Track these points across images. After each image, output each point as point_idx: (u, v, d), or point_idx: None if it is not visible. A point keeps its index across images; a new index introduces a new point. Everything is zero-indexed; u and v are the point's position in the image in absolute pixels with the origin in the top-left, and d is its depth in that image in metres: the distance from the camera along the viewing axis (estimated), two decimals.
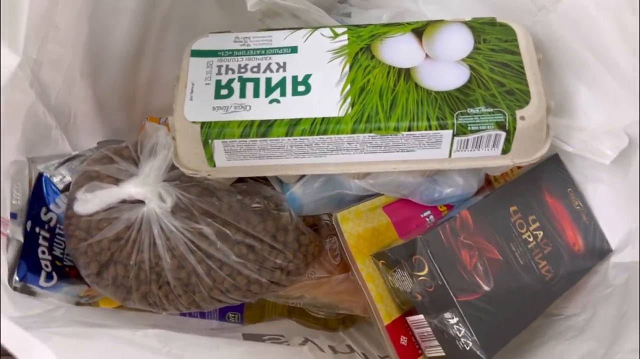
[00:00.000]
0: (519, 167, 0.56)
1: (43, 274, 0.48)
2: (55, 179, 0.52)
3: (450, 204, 0.53)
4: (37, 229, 0.49)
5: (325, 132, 0.42)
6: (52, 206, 0.51)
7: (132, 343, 0.38)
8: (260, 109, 0.42)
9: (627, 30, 0.40)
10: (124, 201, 0.46)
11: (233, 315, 0.58)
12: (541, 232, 0.48)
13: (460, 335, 0.43)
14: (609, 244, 0.52)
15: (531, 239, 0.48)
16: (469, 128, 0.41)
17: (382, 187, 0.49)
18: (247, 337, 0.52)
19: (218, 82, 0.44)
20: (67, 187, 0.52)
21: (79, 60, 0.51)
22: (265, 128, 0.42)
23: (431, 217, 0.52)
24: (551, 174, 0.52)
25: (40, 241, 0.49)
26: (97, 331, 0.38)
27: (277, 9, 0.47)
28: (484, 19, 0.46)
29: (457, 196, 0.51)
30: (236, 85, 0.44)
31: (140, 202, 0.46)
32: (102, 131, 0.61)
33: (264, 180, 0.50)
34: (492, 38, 0.45)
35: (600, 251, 0.52)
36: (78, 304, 0.55)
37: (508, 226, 0.47)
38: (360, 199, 0.51)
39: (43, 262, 0.48)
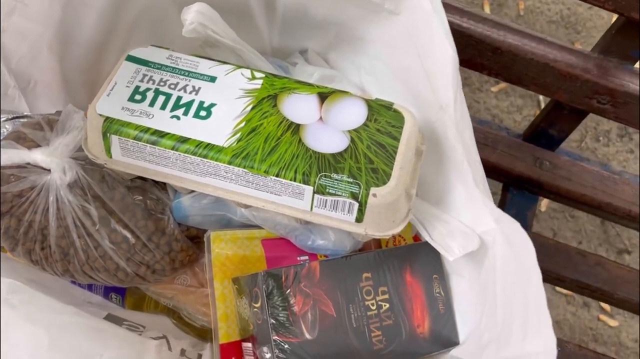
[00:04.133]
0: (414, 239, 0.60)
1: None
2: None
3: (327, 255, 0.57)
4: None
5: (205, 157, 0.47)
6: None
7: None
8: (159, 120, 0.48)
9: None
10: (30, 164, 0.52)
11: (115, 296, 0.62)
12: (387, 305, 0.52)
13: None
14: (458, 336, 0.55)
15: (374, 308, 0.51)
16: (327, 190, 0.46)
17: (262, 221, 0.54)
18: (109, 318, 0.56)
19: (137, 87, 0.50)
20: None
21: (48, 37, 0.58)
22: (156, 137, 0.47)
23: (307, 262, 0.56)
24: (424, 256, 0.55)
25: None
26: None
27: (215, 42, 0.53)
28: (384, 101, 0.51)
29: (330, 249, 0.55)
30: (150, 95, 0.49)
31: (49, 171, 0.52)
32: (66, 102, 0.67)
33: (162, 184, 0.55)
34: (382, 120, 0.49)
35: (446, 340, 0.55)
36: None
37: (355, 288, 0.51)
38: (246, 227, 0.56)
39: None
